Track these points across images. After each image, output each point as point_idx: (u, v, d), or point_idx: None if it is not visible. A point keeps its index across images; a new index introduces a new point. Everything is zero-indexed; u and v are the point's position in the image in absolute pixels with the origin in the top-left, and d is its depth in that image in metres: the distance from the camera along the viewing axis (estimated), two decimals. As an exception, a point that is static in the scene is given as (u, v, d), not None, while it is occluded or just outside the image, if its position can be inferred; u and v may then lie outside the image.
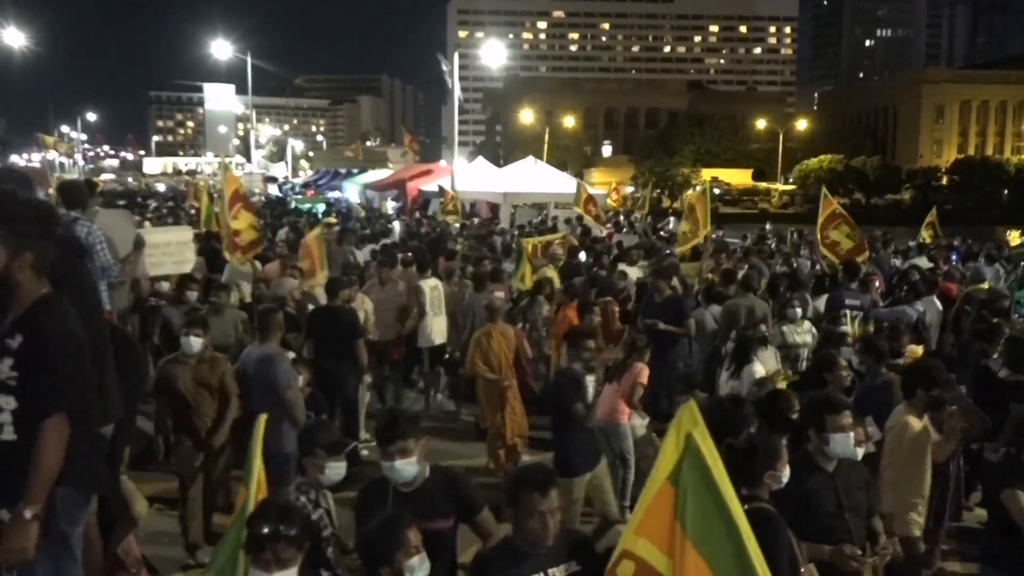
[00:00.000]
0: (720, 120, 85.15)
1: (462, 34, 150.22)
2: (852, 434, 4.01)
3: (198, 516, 5.86)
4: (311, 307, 8.64)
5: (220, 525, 5.73)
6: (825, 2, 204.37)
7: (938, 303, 9.47)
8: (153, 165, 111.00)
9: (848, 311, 8.39)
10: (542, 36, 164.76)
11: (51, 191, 11.04)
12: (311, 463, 3.77)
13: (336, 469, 3.77)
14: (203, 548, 5.81)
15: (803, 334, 7.87)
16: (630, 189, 59.73)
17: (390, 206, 30.00)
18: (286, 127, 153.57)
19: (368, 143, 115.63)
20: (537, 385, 8.76)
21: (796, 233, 21.34)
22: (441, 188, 22.91)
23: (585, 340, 6.09)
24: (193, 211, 22.31)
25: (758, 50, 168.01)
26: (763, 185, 75.03)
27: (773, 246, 17.50)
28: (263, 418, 3.26)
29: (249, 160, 68.90)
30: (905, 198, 71.21)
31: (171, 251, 8.69)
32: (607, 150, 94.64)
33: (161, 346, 8.01)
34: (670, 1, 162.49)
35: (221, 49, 53.69)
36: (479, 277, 9.83)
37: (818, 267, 11.93)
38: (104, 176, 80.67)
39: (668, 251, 14.50)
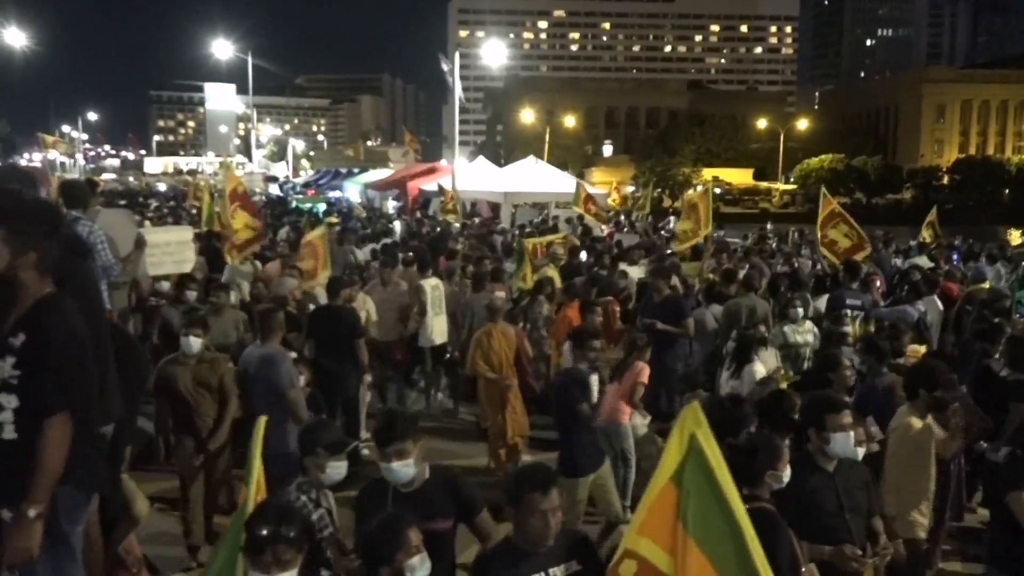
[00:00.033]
0: (721, 120, 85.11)
1: (463, 33, 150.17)
2: (852, 433, 4.01)
3: (199, 517, 5.85)
4: (312, 307, 8.64)
5: (221, 525, 5.71)
6: (826, 1, 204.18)
7: (939, 303, 9.45)
8: (154, 165, 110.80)
9: (849, 311, 8.38)
10: (543, 36, 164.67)
11: (52, 190, 11.04)
12: (312, 462, 3.75)
13: (337, 468, 3.75)
14: (204, 548, 5.81)
15: (805, 334, 7.87)
16: (631, 189, 59.60)
17: (391, 206, 29.99)
18: (287, 127, 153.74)
19: (369, 143, 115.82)
20: (538, 385, 8.75)
21: (797, 233, 21.36)
22: (441, 187, 22.92)
23: (591, 340, 6.04)
24: (194, 211, 22.35)
25: (759, 50, 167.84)
26: (764, 185, 74.91)
27: (774, 246, 17.52)
28: (263, 419, 3.26)
29: (250, 160, 69.00)
30: (906, 198, 71.03)
31: (171, 251, 8.72)
32: (608, 150, 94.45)
33: (161, 346, 7.99)
34: (671, 1, 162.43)
35: (222, 49, 53.76)
36: (478, 276, 9.83)
37: (819, 267, 11.92)
38: (105, 176, 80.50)
39: (668, 251, 14.50)
